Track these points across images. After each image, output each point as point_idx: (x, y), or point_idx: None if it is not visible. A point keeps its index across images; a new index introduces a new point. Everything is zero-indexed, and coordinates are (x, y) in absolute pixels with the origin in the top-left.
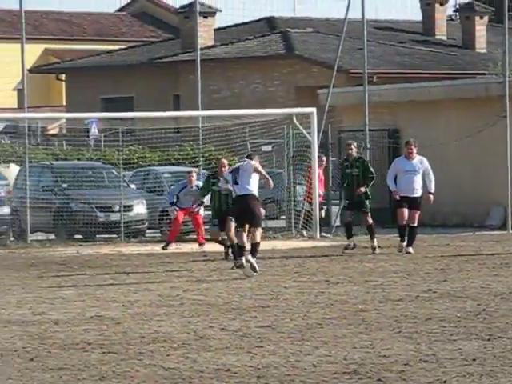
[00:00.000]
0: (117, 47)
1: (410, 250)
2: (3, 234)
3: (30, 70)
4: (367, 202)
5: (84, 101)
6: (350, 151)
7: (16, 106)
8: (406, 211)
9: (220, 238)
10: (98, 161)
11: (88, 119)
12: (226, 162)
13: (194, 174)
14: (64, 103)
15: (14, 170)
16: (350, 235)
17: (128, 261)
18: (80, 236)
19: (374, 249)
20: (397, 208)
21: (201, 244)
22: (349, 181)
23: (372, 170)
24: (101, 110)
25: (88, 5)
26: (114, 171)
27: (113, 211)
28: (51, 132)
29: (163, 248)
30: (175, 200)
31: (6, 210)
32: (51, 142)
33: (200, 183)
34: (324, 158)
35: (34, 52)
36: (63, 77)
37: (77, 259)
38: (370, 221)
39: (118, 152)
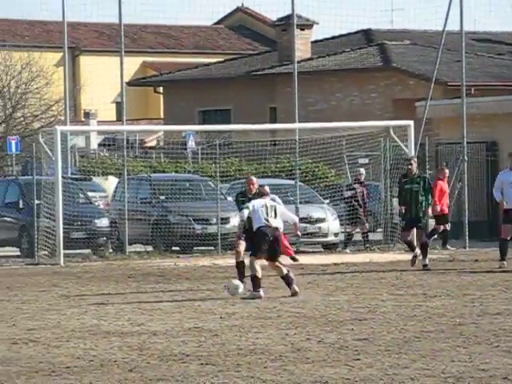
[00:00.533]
0: (214, 60)
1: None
2: (102, 246)
3: (129, 83)
4: (423, 219)
5: (181, 113)
6: (410, 167)
7: (115, 119)
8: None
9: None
10: (196, 173)
11: (185, 132)
12: (255, 179)
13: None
14: (162, 116)
15: (112, 182)
16: (413, 249)
17: (225, 273)
18: (177, 248)
19: (424, 265)
20: (503, 223)
21: (292, 258)
22: (408, 198)
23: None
24: (198, 123)
25: (186, 18)
26: (211, 183)
27: (210, 223)
28: (149, 144)
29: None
30: None
31: (105, 221)
32: (149, 154)
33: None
34: (447, 170)
35: (132, 65)
36: (161, 89)
37: (174, 271)
38: (424, 238)
39: (215, 164)
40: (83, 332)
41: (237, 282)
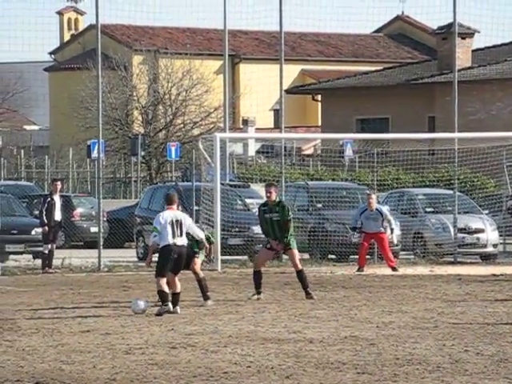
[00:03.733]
0: (373, 68)
1: None
2: (257, 253)
3: (287, 91)
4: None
5: (339, 121)
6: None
7: (272, 126)
8: None
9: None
10: (353, 181)
11: (343, 140)
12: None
13: (374, 197)
14: (319, 124)
15: None
16: None
17: (382, 282)
18: (333, 256)
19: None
20: None
21: (393, 268)
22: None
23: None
24: (356, 131)
25: (345, 26)
26: (368, 192)
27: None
28: (306, 152)
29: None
30: (359, 225)
31: (258, 229)
32: (306, 162)
33: (384, 208)
34: None
35: (291, 73)
36: (319, 97)
37: (330, 279)
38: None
39: (372, 173)
40: (240, 338)
41: (140, 301)
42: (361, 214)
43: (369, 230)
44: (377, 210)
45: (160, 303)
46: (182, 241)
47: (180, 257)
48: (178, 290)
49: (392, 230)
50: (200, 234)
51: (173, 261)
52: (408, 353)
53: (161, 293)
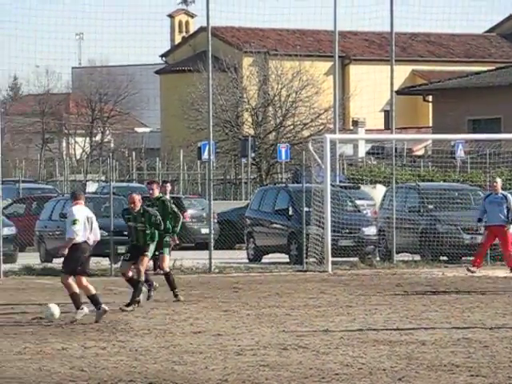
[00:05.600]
0: (485, 68)
1: None
2: (370, 254)
3: (398, 92)
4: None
5: (450, 122)
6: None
7: (383, 128)
8: None
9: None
10: (464, 182)
11: (454, 141)
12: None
13: (499, 181)
14: (430, 124)
15: (380, 190)
16: None
17: (494, 284)
18: (445, 258)
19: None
20: None
21: None
22: None
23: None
24: (467, 132)
25: (457, 26)
26: (480, 193)
27: (480, 233)
28: (417, 153)
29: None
30: (484, 217)
31: (373, 230)
32: (417, 163)
33: (509, 195)
34: None
35: (401, 73)
36: (430, 98)
37: (442, 281)
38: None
39: (484, 174)
40: (352, 339)
41: (53, 307)
42: (485, 199)
43: (493, 221)
44: (502, 194)
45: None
46: (91, 239)
47: (89, 256)
48: (93, 291)
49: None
50: (98, 236)
51: (83, 259)
52: None
53: (75, 296)
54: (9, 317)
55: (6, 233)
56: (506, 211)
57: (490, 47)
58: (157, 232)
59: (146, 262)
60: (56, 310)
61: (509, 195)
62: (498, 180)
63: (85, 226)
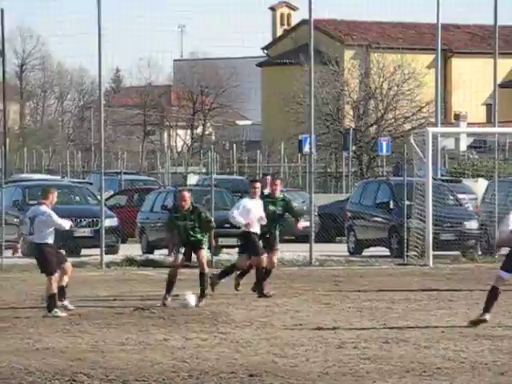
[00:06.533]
0: None
1: None
2: (472, 248)
3: (501, 85)
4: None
5: None
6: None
7: (485, 121)
8: None
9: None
10: None
11: None
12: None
13: None
14: None
15: (482, 184)
16: None
17: None
18: None
19: None
20: None
21: None
22: None
23: None
24: None
25: None
26: None
27: None
28: None
29: None
30: None
31: (475, 224)
32: None
33: None
34: None
35: (504, 67)
36: None
37: None
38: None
39: None
40: (453, 334)
41: (189, 296)
42: None
43: None
44: None
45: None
46: (37, 239)
47: (58, 253)
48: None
49: None
50: (64, 225)
51: (55, 257)
52: None
53: (53, 297)
54: (111, 308)
55: (108, 224)
56: None
57: None
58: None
59: (205, 255)
60: (192, 299)
61: None
62: None
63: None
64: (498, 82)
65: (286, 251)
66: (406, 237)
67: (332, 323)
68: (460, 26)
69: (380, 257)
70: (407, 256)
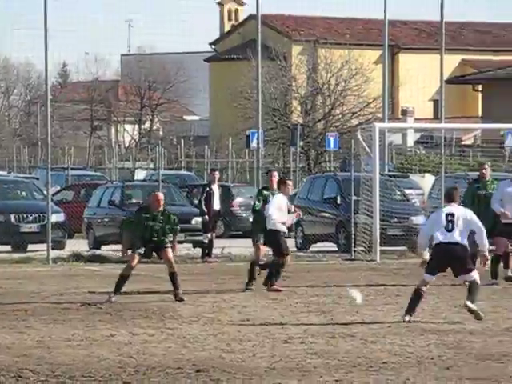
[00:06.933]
0: None
1: None
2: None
3: (447, 81)
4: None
5: (500, 111)
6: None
7: (432, 117)
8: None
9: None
10: None
11: (504, 130)
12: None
13: None
14: (479, 114)
15: (428, 179)
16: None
17: None
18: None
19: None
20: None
21: None
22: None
23: None
24: None
25: (506, 15)
26: None
27: None
28: (466, 142)
29: None
30: None
31: (422, 219)
32: (466, 152)
33: None
34: None
35: (450, 63)
36: (479, 87)
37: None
38: None
39: None
40: (400, 328)
41: (354, 292)
42: None
43: None
44: None
45: None
46: None
47: None
48: None
49: None
50: None
51: None
52: None
53: None
54: (58, 303)
55: (54, 219)
56: None
57: None
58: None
59: (171, 254)
60: (358, 296)
61: None
62: None
63: None
64: (445, 77)
65: (235, 246)
66: (353, 232)
67: (279, 318)
68: (407, 22)
69: (327, 252)
70: (354, 251)
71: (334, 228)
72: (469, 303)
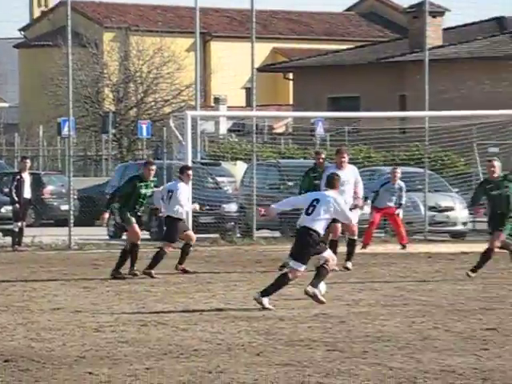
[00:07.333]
0: (344, 47)
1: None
2: (230, 231)
3: (259, 69)
4: None
5: (311, 100)
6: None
7: (244, 105)
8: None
9: None
10: (325, 160)
11: (314, 118)
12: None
13: (399, 171)
14: (291, 102)
15: (240, 167)
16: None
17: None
18: None
19: None
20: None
21: (403, 246)
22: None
23: None
24: (327, 109)
25: (317, 4)
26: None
27: None
28: (277, 130)
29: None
30: (370, 198)
31: (234, 206)
32: (277, 140)
33: (402, 183)
34: None
35: (262, 51)
36: (290, 76)
37: None
38: None
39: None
40: (211, 316)
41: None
42: (381, 186)
43: (382, 204)
44: (399, 184)
45: None
46: None
47: None
48: None
49: (400, 205)
50: None
51: None
52: (378, 330)
53: None
54: None
55: None
56: (397, 198)
57: (349, 26)
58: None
59: None
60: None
61: (404, 186)
62: (399, 170)
63: None
64: (257, 66)
65: (46, 235)
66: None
67: (90, 307)
68: (219, 9)
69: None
70: None
71: (147, 216)
72: (309, 288)
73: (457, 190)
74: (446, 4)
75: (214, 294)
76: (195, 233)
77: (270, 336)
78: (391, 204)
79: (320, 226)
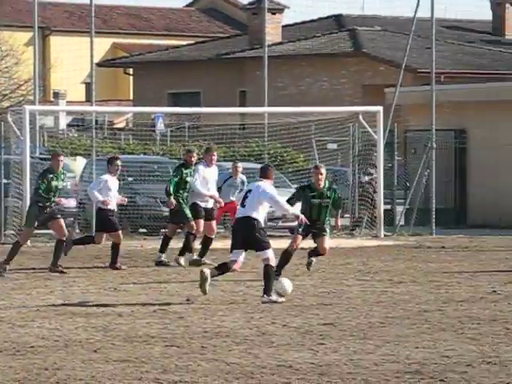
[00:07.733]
0: (185, 42)
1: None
2: (69, 227)
3: (99, 64)
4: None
5: (151, 95)
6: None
7: (84, 100)
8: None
9: None
10: (164, 155)
11: (155, 114)
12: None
13: (240, 165)
14: (131, 97)
15: (80, 162)
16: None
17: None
18: (144, 230)
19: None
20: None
21: None
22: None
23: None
24: (167, 105)
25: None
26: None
27: None
28: (118, 126)
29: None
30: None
31: (73, 202)
32: (118, 135)
33: (244, 177)
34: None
35: (102, 46)
36: (131, 71)
37: (141, 253)
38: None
39: (183, 147)
40: (48, 312)
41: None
42: (224, 182)
43: (226, 199)
44: (241, 178)
45: None
46: None
47: None
48: None
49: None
50: None
51: None
52: (216, 325)
53: None
54: None
55: None
56: (240, 191)
57: (189, 21)
58: None
59: None
60: (289, 285)
61: (246, 180)
62: (240, 164)
63: None
64: (96, 60)
65: None
66: (3, 216)
67: None
68: (58, 4)
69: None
70: (5, 235)
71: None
72: (264, 298)
73: (296, 185)
74: (285, 1)
75: (53, 290)
76: (35, 228)
77: (108, 332)
78: (233, 198)
79: (258, 215)
